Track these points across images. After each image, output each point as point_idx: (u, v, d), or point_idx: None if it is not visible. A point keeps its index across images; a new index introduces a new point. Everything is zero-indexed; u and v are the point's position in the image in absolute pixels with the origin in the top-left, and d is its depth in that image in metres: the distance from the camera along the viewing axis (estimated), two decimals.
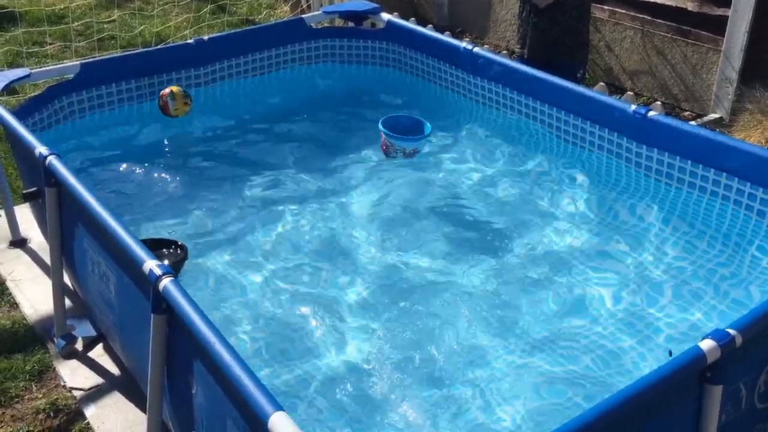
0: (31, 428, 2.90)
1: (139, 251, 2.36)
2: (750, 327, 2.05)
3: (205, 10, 7.04)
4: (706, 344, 1.96)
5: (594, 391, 2.59)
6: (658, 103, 5.30)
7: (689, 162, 3.30)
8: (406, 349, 2.83)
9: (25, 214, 3.97)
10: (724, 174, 3.18)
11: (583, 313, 2.98)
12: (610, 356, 2.77)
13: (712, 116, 5.09)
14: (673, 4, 5.25)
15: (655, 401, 1.91)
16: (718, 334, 1.99)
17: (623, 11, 5.60)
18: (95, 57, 4.99)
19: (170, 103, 4.00)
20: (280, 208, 3.72)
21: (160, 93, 4.03)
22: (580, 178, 3.74)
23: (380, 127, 3.64)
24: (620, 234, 3.39)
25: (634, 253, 3.27)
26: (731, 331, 2.00)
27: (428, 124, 3.65)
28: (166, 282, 2.21)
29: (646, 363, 2.70)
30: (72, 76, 4.01)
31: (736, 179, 3.15)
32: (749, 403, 2.27)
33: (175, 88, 4.02)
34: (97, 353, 3.24)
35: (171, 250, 3.24)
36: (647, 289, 3.07)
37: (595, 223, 3.48)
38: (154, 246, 3.05)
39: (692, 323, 2.88)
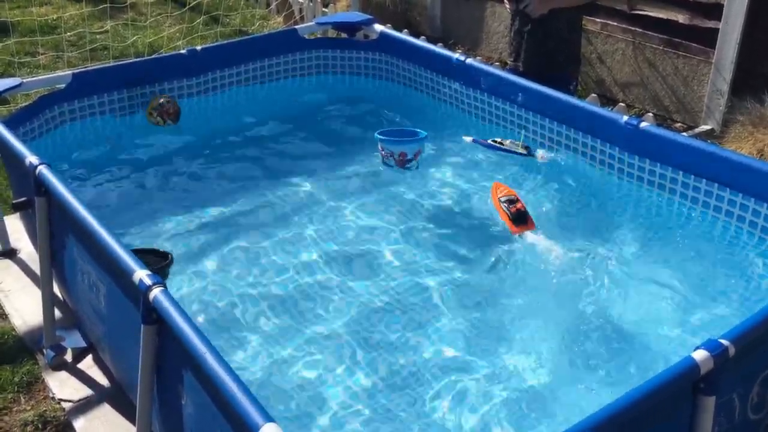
0: None
1: (129, 261, 2.34)
2: (743, 337, 2.05)
3: (198, 20, 7.04)
4: (699, 355, 1.95)
5: (586, 402, 2.58)
6: (650, 114, 5.32)
7: (681, 172, 3.31)
8: (404, 365, 2.82)
9: (15, 224, 3.95)
10: (716, 184, 3.20)
11: (573, 323, 2.97)
12: (603, 367, 2.76)
13: (704, 128, 5.11)
14: (665, 16, 5.28)
15: (648, 412, 1.90)
16: (711, 345, 1.98)
17: (615, 23, 5.63)
18: (87, 67, 4.98)
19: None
20: (272, 218, 3.71)
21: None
22: (573, 187, 3.74)
23: (376, 135, 3.69)
24: (611, 242, 3.39)
25: (624, 261, 3.27)
26: (724, 342, 1.99)
27: (423, 132, 3.69)
28: (156, 292, 2.19)
29: (637, 373, 2.68)
30: (64, 85, 4.00)
31: (728, 190, 3.16)
32: (742, 414, 2.26)
33: (155, 99, 4.07)
34: (87, 364, 3.21)
35: (156, 259, 3.22)
36: (635, 299, 3.06)
37: (585, 232, 3.48)
38: (144, 255, 3.03)
39: (684, 333, 2.87)
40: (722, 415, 2.14)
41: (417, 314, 3.05)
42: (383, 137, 3.68)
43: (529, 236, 3.33)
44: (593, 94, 5.50)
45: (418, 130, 3.81)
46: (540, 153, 3.83)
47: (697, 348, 1.98)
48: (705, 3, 5.00)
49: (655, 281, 3.15)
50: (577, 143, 3.71)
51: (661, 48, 5.37)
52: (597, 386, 2.67)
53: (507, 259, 3.33)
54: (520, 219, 3.35)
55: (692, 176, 3.27)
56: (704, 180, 3.23)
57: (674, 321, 2.94)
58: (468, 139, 4.01)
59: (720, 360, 1.96)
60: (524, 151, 3.83)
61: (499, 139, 3.91)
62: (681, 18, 5.18)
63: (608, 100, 5.70)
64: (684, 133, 4.83)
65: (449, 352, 2.86)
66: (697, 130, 5.09)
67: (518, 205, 3.40)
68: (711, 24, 5.00)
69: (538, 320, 2.99)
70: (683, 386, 1.97)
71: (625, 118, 3.48)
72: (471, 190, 3.89)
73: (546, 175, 3.83)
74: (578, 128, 3.68)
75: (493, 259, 3.35)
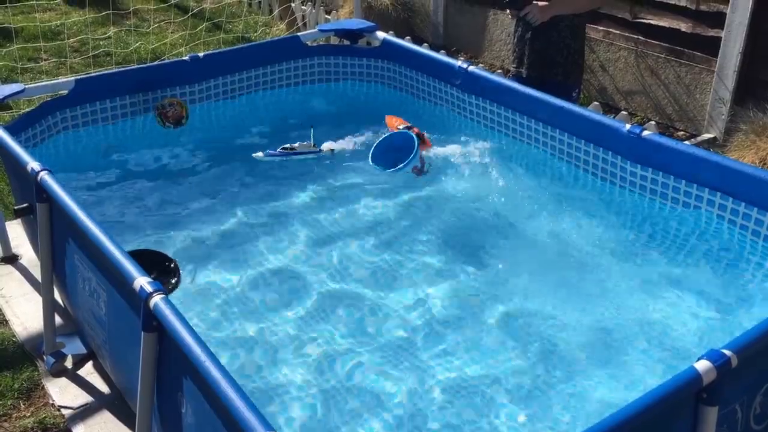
0: None
1: (130, 268, 2.34)
2: (745, 347, 2.04)
3: (201, 27, 7.06)
4: (702, 365, 1.94)
5: (589, 409, 2.57)
6: (653, 122, 5.32)
7: (683, 181, 3.30)
8: (407, 376, 2.81)
9: (16, 230, 3.95)
10: (719, 193, 3.19)
11: (571, 336, 2.96)
12: (604, 376, 2.75)
13: (706, 136, 5.11)
14: (667, 24, 5.29)
15: (650, 423, 1.89)
16: (713, 355, 1.97)
17: (617, 32, 5.64)
18: (90, 73, 4.99)
19: None
20: (276, 226, 3.70)
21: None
22: (575, 196, 3.73)
23: (373, 165, 3.71)
24: (613, 252, 3.38)
25: (624, 270, 3.26)
26: (727, 352, 1.98)
27: (416, 139, 3.70)
28: (156, 299, 2.18)
29: (638, 382, 2.67)
30: (66, 91, 4.00)
31: (731, 199, 3.15)
32: (745, 424, 2.25)
33: (163, 99, 4.13)
34: (87, 371, 3.21)
35: (166, 267, 3.23)
36: (635, 309, 3.05)
37: (588, 241, 3.47)
38: (148, 258, 3.03)
39: (686, 343, 2.86)
40: (725, 425, 2.13)
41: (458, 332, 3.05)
42: (390, 169, 3.68)
43: (431, 150, 3.95)
44: (595, 102, 5.51)
45: (406, 132, 3.78)
46: (325, 146, 4.04)
47: (700, 358, 1.97)
48: (707, 11, 5.01)
49: (655, 290, 3.14)
50: (579, 152, 3.70)
51: (663, 56, 5.37)
52: (597, 395, 2.66)
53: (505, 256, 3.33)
54: (420, 139, 3.88)
55: (695, 185, 3.26)
56: (707, 189, 3.22)
57: (675, 331, 2.93)
58: (259, 155, 3.98)
59: (722, 370, 1.95)
60: (315, 149, 4.04)
61: (288, 145, 4.01)
62: (683, 26, 5.18)
63: (610, 108, 5.70)
64: (686, 142, 4.82)
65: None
66: (699, 139, 5.09)
67: (415, 130, 3.90)
68: (713, 32, 5.00)
69: (533, 323, 2.99)
70: (685, 396, 1.96)
71: (628, 126, 3.47)
72: (471, 196, 3.89)
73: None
74: (581, 136, 3.67)
75: (497, 263, 3.35)
